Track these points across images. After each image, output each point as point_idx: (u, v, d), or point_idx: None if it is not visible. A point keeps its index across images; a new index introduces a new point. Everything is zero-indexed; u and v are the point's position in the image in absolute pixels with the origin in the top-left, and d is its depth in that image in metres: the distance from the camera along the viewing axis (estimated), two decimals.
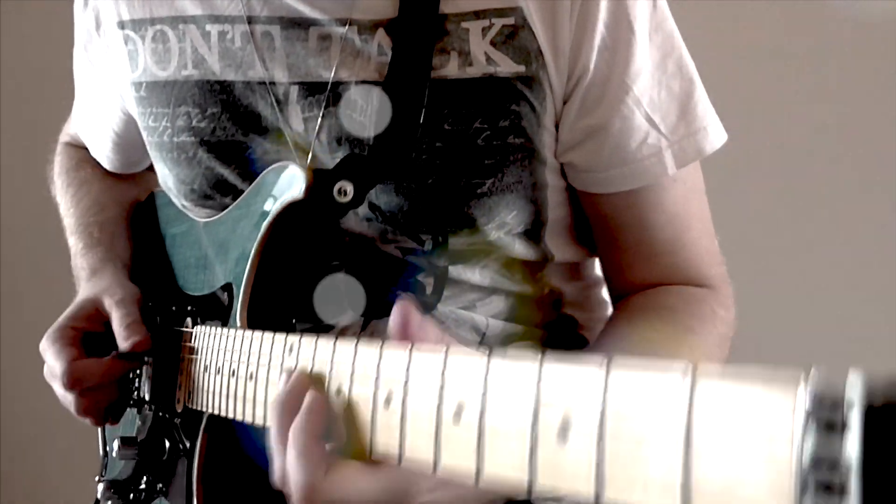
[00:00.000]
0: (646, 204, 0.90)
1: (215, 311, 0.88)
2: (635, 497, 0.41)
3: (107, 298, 0.96)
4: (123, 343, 0.92)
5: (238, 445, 0.87)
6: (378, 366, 0.58)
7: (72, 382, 0.92)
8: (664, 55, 0.88)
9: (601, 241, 0.95)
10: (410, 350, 0.56)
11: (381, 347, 0.59)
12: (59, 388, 0.95)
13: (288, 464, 0.63)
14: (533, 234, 0.91)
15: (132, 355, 0.93)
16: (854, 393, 0.34)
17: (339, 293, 0.87)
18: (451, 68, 0.84)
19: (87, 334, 0.96)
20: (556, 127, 0.87)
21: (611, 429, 0.43)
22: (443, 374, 0.53)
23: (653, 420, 0.41)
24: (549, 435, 0.45)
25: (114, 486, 0.99)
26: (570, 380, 0.45)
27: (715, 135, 0.90)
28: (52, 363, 0.94)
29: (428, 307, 0.88)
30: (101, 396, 0.94)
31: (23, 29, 2.22)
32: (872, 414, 0.34)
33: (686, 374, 0.40)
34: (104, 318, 0.95)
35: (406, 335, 0.59)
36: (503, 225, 0.88)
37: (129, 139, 1.05)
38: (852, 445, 0.35)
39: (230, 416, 0.79)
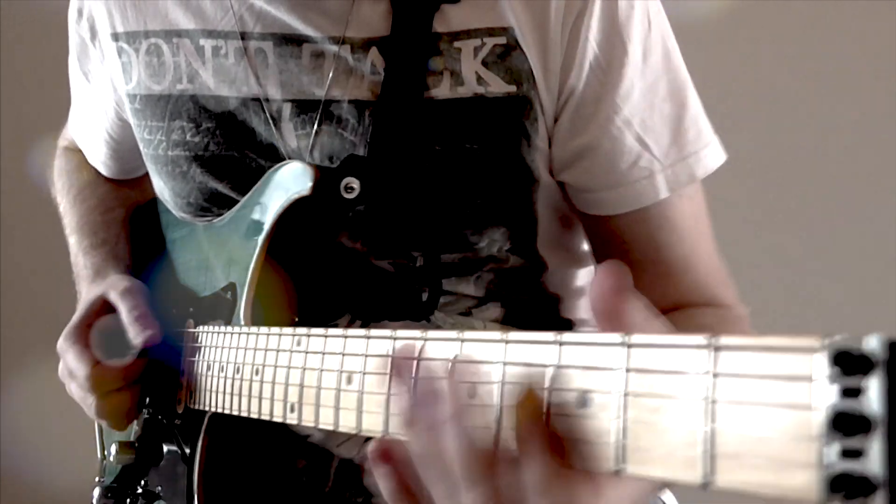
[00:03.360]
0: (651, 222, 0.89)
1: (218, 311, 0.89)
2: (658, 463, 0.42)
3: (112, 291, 0.96)
4: (136, 338, 0.92)
5: (238, 448, 0.87)
6: (392, 350, 0.59)
7: (97, 386, 0.92)
8: (657, 77, 0.87)
9: None
10: (424, 333, 0.57)
11: (394, 334, 0.60)
12: (76, 390, 0.95)
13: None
14: (526, 248, 0.92)
15: (148, 351, 0.92)
16: (874, 348, 0.36)
17: (338, 296, 0.88)
18: (442, 89, 0.84)
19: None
20: (550, 145, 0.87)
21: (633, 398, 0.44)
22: (456, 356, 0.54)
23: (676, 387, 0.42)
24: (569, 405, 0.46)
25: (111, 491, 0.99)
26: (589, 355, 0.47)
27: (710, 158, 0.89)
28: (74, 366, 0.94)
29: (423, 315, 0.89)
30: (122, 398, 0.94)
31: (23, 30, 2.21)
32: (893, 368, 0.35)
33: (709, 343, 0.41)
34: (113, 311, 0.95)
35: (611, 315, 0.48)
36: (495, 242, 0.89)
37: (125, 146, 1.05)
38: (874, 400, 0.36)
39: (234, 412, 0.79)
